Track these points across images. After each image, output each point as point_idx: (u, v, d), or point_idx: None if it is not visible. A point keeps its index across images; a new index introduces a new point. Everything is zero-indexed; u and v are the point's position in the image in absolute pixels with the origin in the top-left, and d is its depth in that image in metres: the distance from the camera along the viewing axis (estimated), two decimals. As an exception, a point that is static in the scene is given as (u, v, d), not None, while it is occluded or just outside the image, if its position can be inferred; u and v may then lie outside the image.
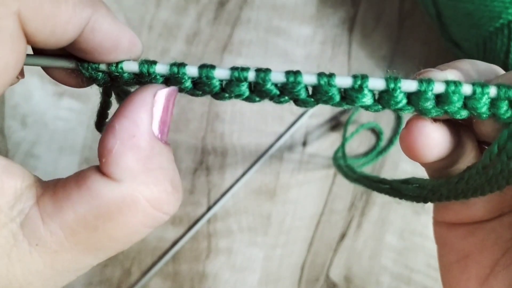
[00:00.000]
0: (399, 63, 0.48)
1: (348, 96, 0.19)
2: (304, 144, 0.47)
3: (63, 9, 0.16)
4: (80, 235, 0.17)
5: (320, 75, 0.19)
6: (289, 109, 0.46)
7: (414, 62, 0.48)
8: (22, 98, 0.43)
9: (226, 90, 0.19)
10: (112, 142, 0.17)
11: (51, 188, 0.18)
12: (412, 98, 0.19)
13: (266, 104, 0.49)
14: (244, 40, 0.46)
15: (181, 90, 0.20)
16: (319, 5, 0.47)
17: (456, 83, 0.19)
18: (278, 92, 0.19)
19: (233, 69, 0.19)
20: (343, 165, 0.41)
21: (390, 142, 0.47)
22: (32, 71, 0.43)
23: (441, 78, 0.20)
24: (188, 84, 0.19)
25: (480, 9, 0.37)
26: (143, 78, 0.20)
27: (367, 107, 0.19)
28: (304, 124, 0.46)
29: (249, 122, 0.46)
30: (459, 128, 0.22)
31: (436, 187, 0.23)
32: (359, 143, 0.47)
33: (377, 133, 0.47)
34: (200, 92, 0.20)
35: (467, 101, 0.19)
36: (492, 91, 0.18)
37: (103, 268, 0.44)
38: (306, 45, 0.46)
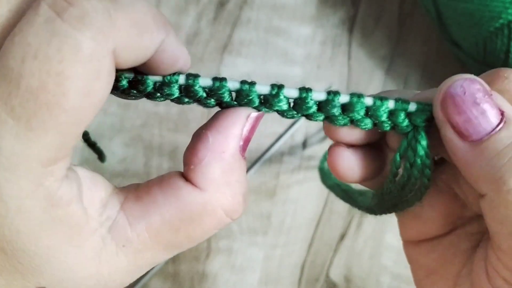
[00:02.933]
0: (399, 63, 0.48)
1: (266, 101, 0.22)
2: (304, 144, 0.47)
3: (146, 38, 0.18)
4: (163, 235, 0.19)
5: (242, 82, 0.21)
6: (289, 109, 0.46)
7: (414, 62, 0.48)
8: (22, 98, 0.43)
9: (158, 91, 0.21)
10: (204, 153, 0.20)
11: (133, 193, 0.20)
12: (322, 106, 0.22)
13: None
14: (244, 40, 0.46)
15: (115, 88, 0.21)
16: (319, 5, 0.47)
17: (359, 95, 0.21)
18: (204, 95, 0.22)
19: (167, 75, 0.21)
20: (324, 169, 0.41)
21: None
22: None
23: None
24: (124, 83, 0.21)
25: (480, 9, 0.37)
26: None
27: (283, 112, 0.22)
28: (303, 125, 0.46)
29: (249, 122, 0.46)
30: (383, 150, 0.25)
31: (373, 201, 0.26)
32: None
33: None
34: (135, 92, 0.21)
35: (370, 111, 0.21)
36: (390, 103, 0.21)
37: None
38: (306, 45, 0.46)
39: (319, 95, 0.22)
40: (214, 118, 0.21)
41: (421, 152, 0.21)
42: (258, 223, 0.46)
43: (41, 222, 0.17)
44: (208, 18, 0.45)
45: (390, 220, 0.48)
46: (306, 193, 0.47)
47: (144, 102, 0.44)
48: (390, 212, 0.26)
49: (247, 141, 0.21)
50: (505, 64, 0.38)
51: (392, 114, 0.21)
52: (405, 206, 0.25)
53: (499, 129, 0.19)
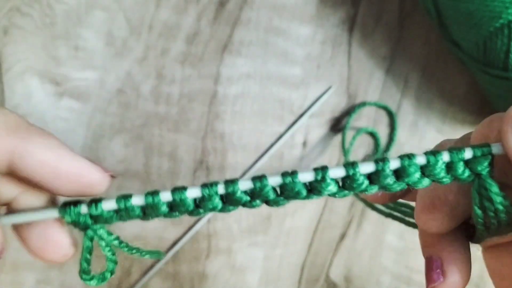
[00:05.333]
0: (399, 63, 0.48)
1: (314, 188, 0.20)
2: (304, 144, 0.47)
3: None
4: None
5: (284, 174, 0.20)
6: (289, 109, 0.46)
7: (414, 62, 0.48)
8: (22, 98, 0.43)
9: (200, 206, 0.21)
10: None
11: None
12: (373, 177, 0.20)
13: (266, 103, 0.49)
14: (244, 40, 0.46)
15: (157, 216, 0.21)
16: (319, 5, 0.47)
17: (410, 156, 0.20)
18: (249, 198, 0.21)
19: (204, 186, 0.20)
20: None
21: (387, 148, 0.47)
22: (32, 71, 0.43)
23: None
24: (164, 209, 0.21)
25: (480, 9, 0.37)
26: (122, 212, 0.21)
27: (334, 194, 0.21)
28: (304, 124, 0.46)
29: (249, 122, 0.46)
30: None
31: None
32: (356, 147, 0.47)
33: (374, 137, 0.47)
34: (177, 213, 0.21)
35: (425, 170, 0.20)
36: (445, 156, 0.20)
37: (103, 268, 0.44)
38: (306, 45, 0.46)
39: (367, 167, 0.20)
40: None
41: (497, 199, 0.20)
42: (258, 223, 0.46)
43: None
44: (208, 18, 0.45)
45: (390, 220, 0.48)
46: (306, 193, 0.47)
47: (144, 102, 0.44)
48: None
49: None
50: (505, 64, 0.38)
51: (449, 167, 0.20)
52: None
53: None
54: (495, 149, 0.20)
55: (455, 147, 0.20)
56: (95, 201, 0.21)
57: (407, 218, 0.30)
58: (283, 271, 0.47)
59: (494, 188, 0.20)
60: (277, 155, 0.46)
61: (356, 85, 0.47)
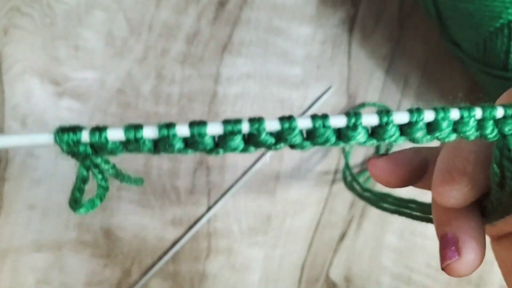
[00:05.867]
0: (399, 63, 0.48)
1: (343, 135, 0.19)
2: (304, 144, 0.47)
3: None
4: None
5: (314, 117, 0.18)
6: (289, 109, 0.46)
7: (414, 62, 0.48)
8: (22, 98, 0.43)
9: (220, 145, 0.19)
10: None
11: None
12: (405, 129, 0.19)
13: (266, 103, 0.49)
14: (244, 40, 0.46)
15: (171, 151, 0.18)
16: (319, 5, 0.47)
17: (445, 109, 0.19)
18: (274, 141, 0.19)
19: (226, 122, 0.18)
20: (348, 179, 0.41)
21: (387, 148, 0.47)
22: (32, 71, 0.43)
23: None
24: (180, 144, 0.18)
25: (480, 9, 0.37)
26: (129, 145, 0.18)
27: (362, 143, 0.19)
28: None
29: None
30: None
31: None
32: (356, 147, 0.47)
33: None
34: (192, 150, 0.19)
35: (456, 126, 0.20)
36: (478, 112, 0.19)
37: (103, 268, 0.44)
38: (306, 45, 0.46)
39: (401, 117, 0.19)
40: None
41: None
42: (258, 223, 0.46)
43: None
44: (208, 18, 0.45)
45: (390, 220, 0.48)
46: (306, 193, 0.47)
47: (144, 102, 0.44)
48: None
49: None
50: (505, 64, 0.38)
51: (479, 125, 0.20)
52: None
53: None
54: None
55: (487, 104, 0.20)
56: (98, 129, 0.18)
57: (414, 213, 0.30)
58: (283, 271, 0.47)
59: None
60: (277, 156, 0.46)
61: (356, 85, 0.47)
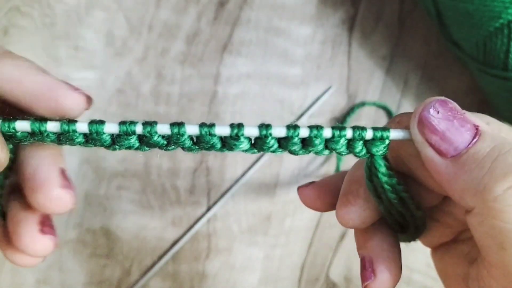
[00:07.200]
0: (399, 63, 0.48)
1: (227, 144, 0.21)
2: (304, 144, 0.47)
3: None
4: None
5: (201, 126, 0.21)
6: (289, 109, 0.46)
7: (414, 62, 0.48)
8: (22, 98, 0.43)
9: (116, 143, 0.21)
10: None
11: None
12: (282, 142, 0.22)
13: (266, 103, 0.49)
14: (244, 40, 0.46)
15: (72, 144, 0.21)
16: (319, 5, 0.47)
17: (318, 128, 0.21)
18: (165, 142, 0.21)
19: (121, 123, 0.21)
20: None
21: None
22: (32, 71, 0.43)
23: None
24: (80, 139, 0.21)
25: (480, 9, 0.37)
26: (35, 136, 0.21)
27: (244, 152, 0.22)
28: (304, 124, 0.46)
29: (249, 122, 0.46)
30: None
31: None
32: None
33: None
34: (92, 145, 0.21)
35: (328, 143, 0.22)
36: (348, 133, 0.21)
37: (103, 268, 0.44)
38: (306, 45, 0.46)
39: (279, 131, 0.22)
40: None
41: (383, 178, 0.22)
42: (258, 223, 0.46)
43: None
44: (208, 18, 0.45)
45: (390, 220, 0.48)
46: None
47: (144, 102, 0.44)
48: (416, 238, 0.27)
49: None
50: (505, 64, 0.38)
51: (349, 144, 0.22)
52: (421, 226, 0.26)
53: (475, 142, 0.20)
54: (393, 134, 0.22)
55: (359, 126, 0.22)
56: (8, 120, 0.20)
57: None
58: (283, 271, 0.47)
59: (382, 169, 0.22)
60: (277, 156, 0.46)
61: (356, 85, 0.47)
